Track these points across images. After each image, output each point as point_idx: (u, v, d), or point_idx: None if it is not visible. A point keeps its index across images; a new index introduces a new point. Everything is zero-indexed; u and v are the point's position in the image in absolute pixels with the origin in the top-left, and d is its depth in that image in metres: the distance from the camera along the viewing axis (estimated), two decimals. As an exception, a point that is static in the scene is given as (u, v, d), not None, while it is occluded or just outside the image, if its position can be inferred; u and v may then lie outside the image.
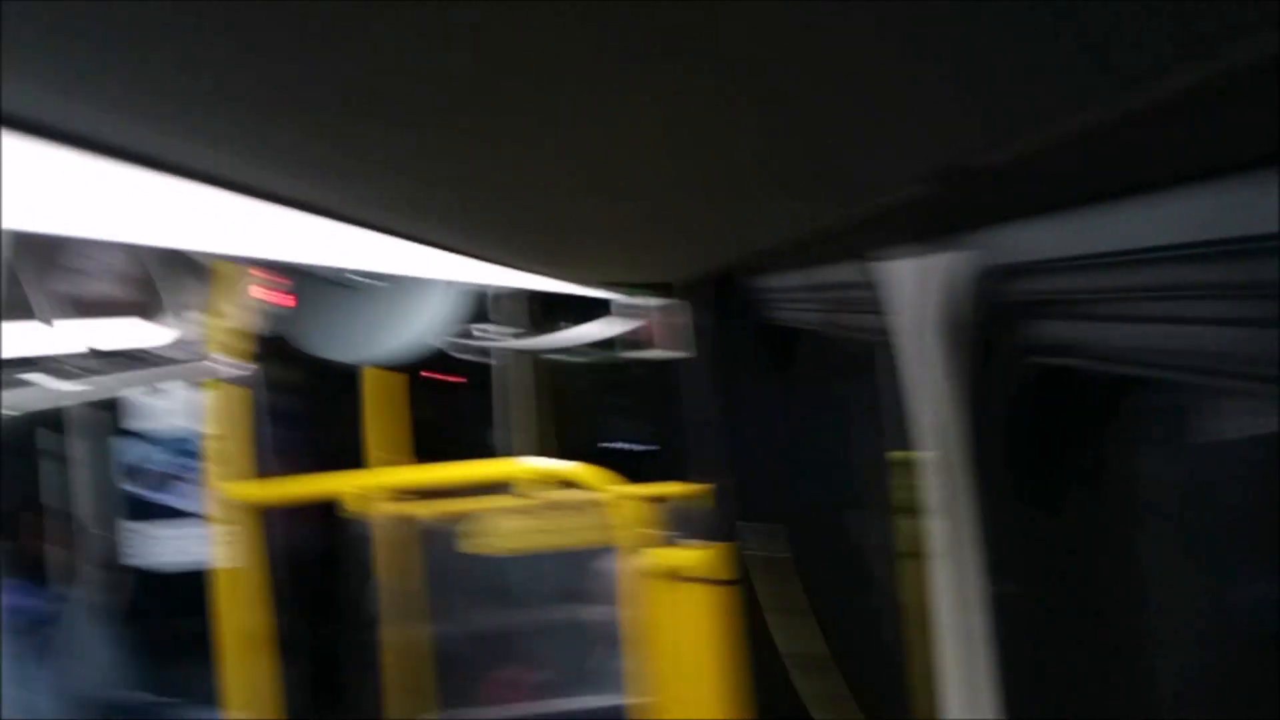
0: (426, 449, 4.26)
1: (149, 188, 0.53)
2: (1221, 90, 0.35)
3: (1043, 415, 0.84)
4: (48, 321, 2.59)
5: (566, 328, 4.20)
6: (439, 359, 4.20)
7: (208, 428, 2.71)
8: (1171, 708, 0.94)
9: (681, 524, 3.35)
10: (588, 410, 6.38)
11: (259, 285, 4.14)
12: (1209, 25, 0.30)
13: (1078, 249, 0.64)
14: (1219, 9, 0.28)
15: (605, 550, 3.46)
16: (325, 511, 4.47)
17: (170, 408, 4.69)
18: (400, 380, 4.24)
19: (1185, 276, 0.55)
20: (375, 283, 2.61)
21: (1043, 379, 0.81)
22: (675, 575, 2.29)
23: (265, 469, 4.90)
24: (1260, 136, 0.42)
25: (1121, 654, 0.89)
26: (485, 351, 4.08)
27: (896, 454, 1.79)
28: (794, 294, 1.70)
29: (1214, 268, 0.52)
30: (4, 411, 1.65)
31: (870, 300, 1.09)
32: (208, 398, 2.70)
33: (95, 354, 3.92)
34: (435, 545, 4.02)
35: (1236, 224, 0.47)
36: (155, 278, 3.44)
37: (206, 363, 2.58)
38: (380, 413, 4.25)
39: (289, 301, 2.63)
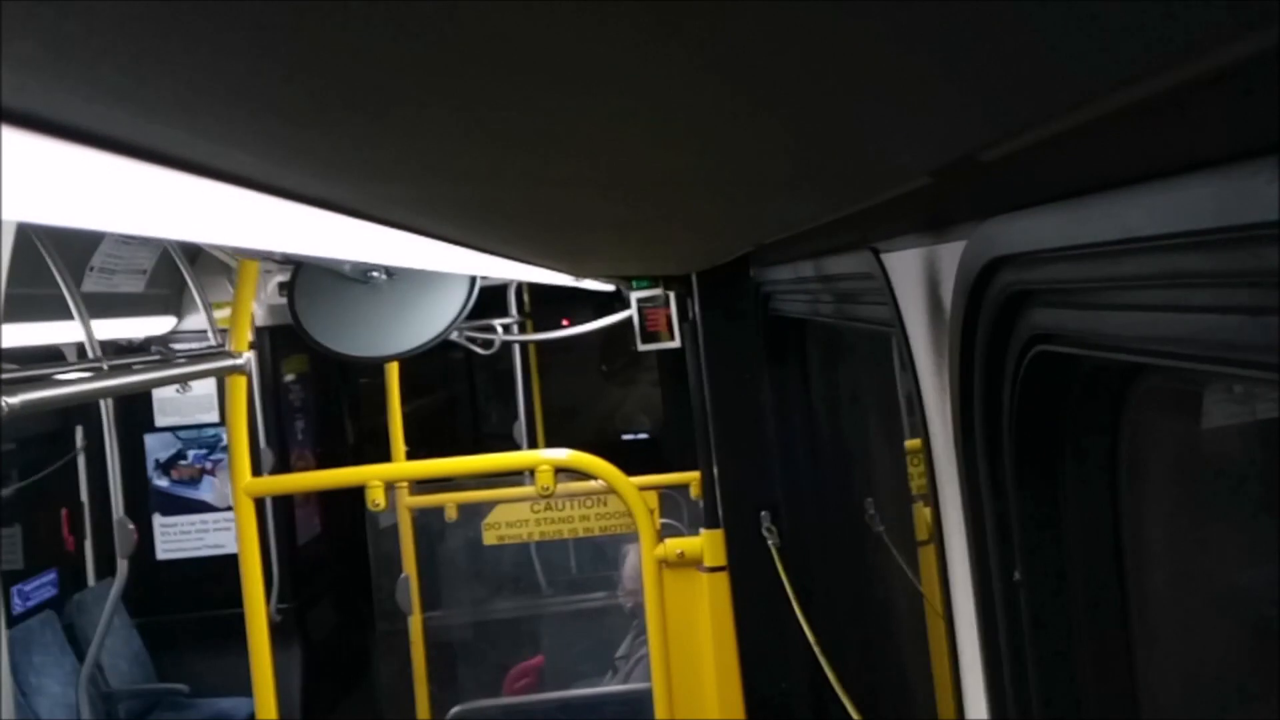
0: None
1: (159, 182, 0.53)
2: (1222, 80, 0.36)
3: (1046, 403, 0.85)
4: (76, 318, 2.63)
5: (575, 319, 4.20)
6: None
7: (232, 420, 2.75)
8: (1177, 692, 0.94)
9: (690, 512, 3.37)
10: (597, 401, 6.39)
11: (280, 278, 4.17)
12: (1210, 15, 0.30)
13: (1080, 238, 0.64)
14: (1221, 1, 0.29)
15: (618, 539, 3.49)
16: (348, 503, 4.51)
17: (197, 400, 4.74)
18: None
19: (1187, 264, 0.55)
20: (389, 277, 2.63)
21: (1046, 367, 0.82)
22: (684, 563, 2.31)
23: (290, 461, 4.95)
24: (1260, 126, 0.43)
25: (1125, 639, 0.90)
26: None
27: (902, 442, 1.79)
28: (801, 285, 1.70)
29: (1215, 255, 0.52)
30: (31, 406, 1.68)
31: (876, 290, 1.10)
32: (232, 391, 2.73)
33: (123, 349, 3.96)
34: (453, 535, 4.06)
35: (1237, 212, 0.47)
36: (181, 273, 3.47)
37: (231, 357, 2.62)
38: (403, 404, 4.28)
39: (309, 295, 2.66)
